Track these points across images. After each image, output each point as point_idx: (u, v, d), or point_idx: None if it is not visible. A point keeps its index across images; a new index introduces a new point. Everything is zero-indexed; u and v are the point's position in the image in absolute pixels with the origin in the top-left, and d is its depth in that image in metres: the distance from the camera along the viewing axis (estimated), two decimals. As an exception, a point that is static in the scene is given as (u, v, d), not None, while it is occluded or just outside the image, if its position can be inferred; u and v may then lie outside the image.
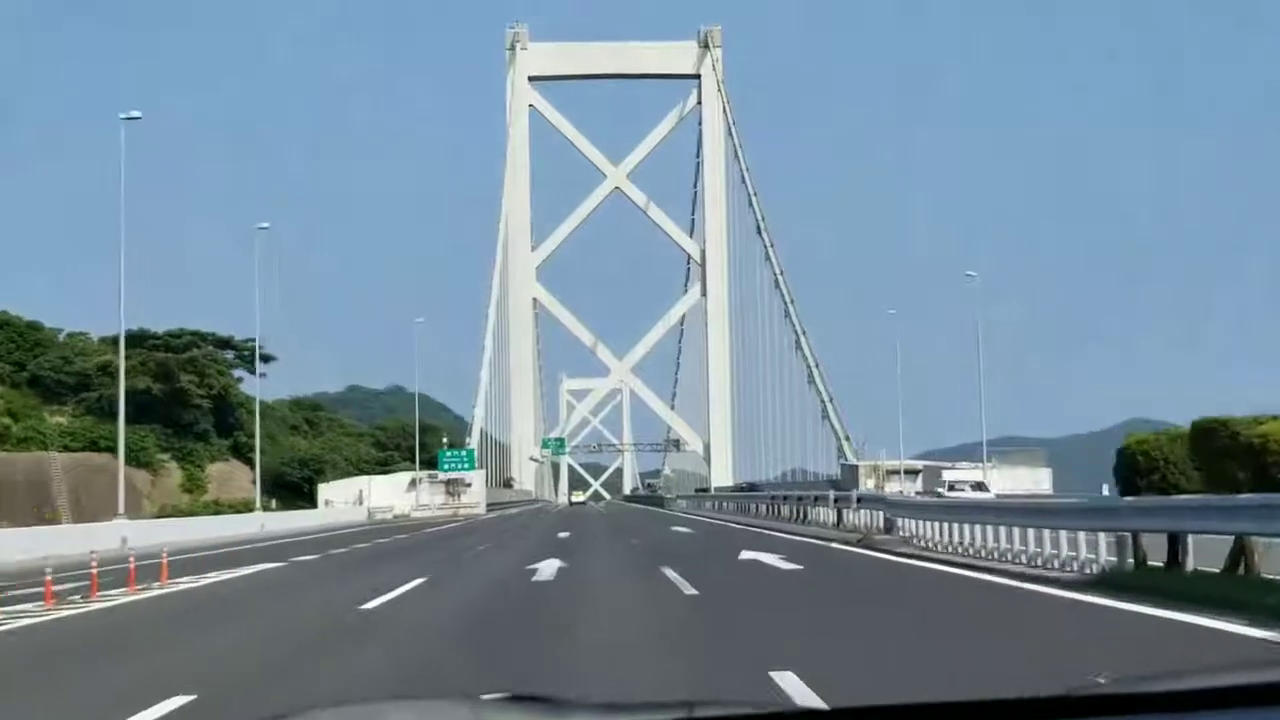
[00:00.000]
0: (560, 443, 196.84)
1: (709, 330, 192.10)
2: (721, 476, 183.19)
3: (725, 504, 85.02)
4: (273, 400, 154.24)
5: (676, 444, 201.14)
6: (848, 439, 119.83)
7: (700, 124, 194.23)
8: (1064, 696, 2.29)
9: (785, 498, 66.00)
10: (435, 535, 63.77)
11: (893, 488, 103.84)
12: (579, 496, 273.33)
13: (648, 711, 2.00)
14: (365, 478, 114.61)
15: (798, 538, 44.35)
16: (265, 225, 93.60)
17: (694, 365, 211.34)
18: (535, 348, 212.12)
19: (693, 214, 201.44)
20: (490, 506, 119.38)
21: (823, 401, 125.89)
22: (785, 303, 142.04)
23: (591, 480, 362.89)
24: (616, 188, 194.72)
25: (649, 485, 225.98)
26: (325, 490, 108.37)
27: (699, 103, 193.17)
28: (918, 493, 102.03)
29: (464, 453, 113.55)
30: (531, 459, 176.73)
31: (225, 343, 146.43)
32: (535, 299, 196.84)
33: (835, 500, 53.36)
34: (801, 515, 55.93)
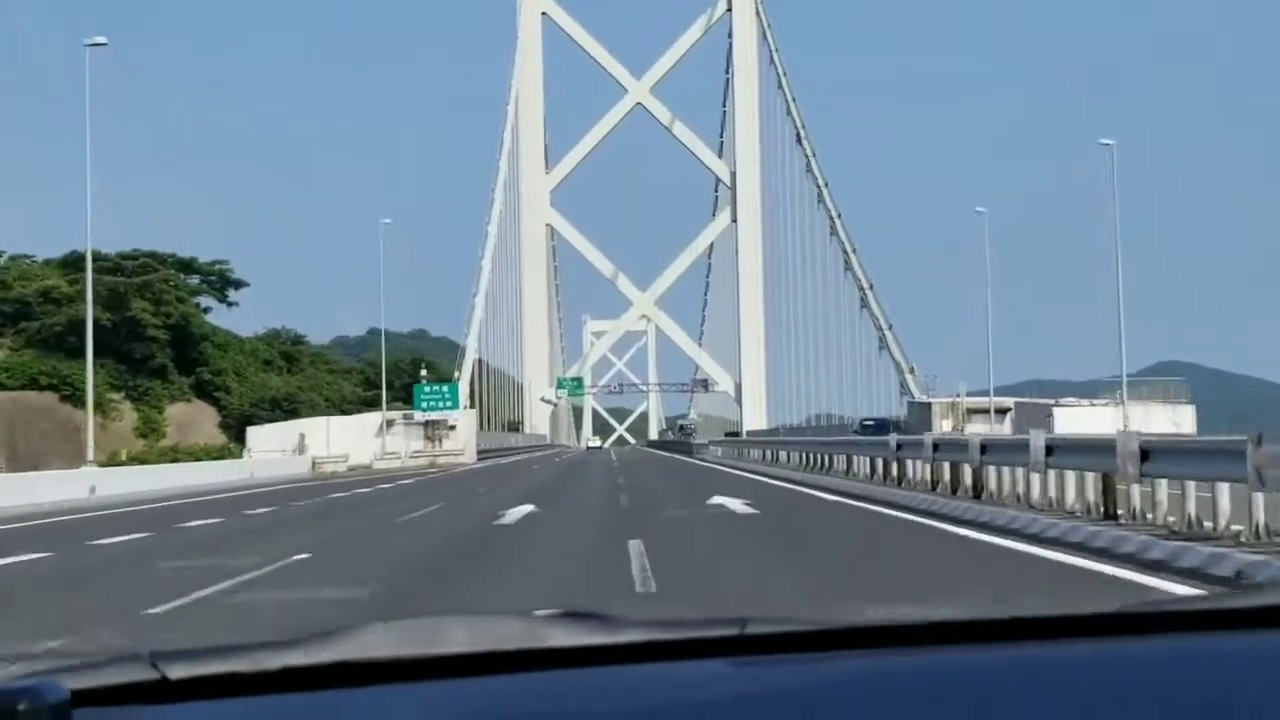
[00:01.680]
0: (577, 382, 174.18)
1: (740, 259, 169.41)
2: (754, 419, 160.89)
3: (772, 452, 62.21)
4: (246, 335, 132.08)
5: (705, 384, 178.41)
6: (912, 371, 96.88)
7: (730, 32, 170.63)
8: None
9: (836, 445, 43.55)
10: (340, 501, 41.54)
11: (975, 429, 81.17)
12: (595, 441, 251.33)
13: (701, 628, 2.09)
14: (321, 419, 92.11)
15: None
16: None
17: (724, 298, 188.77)
18: (551, 280, 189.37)
19: (721, 135, 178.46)
20: (485, 454, 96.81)
21: (879, 329, 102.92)
22: (831, 218, 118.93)
23: (615, 424, 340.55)
24: (638, 104, 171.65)
25: (679, 427, 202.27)
26: (253, 435, 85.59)
27: (729, 9, 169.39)
28: (1012, 433, 79.63)
29: (445, 388, 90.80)
30: (544, 399, 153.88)
31: (187, 265, 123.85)
32: (550, 225, 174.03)
33: (897, 447, 32.20)
34: (895, 472, 33.55)
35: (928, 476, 30.27)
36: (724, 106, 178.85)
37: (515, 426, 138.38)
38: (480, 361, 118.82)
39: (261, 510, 36.00)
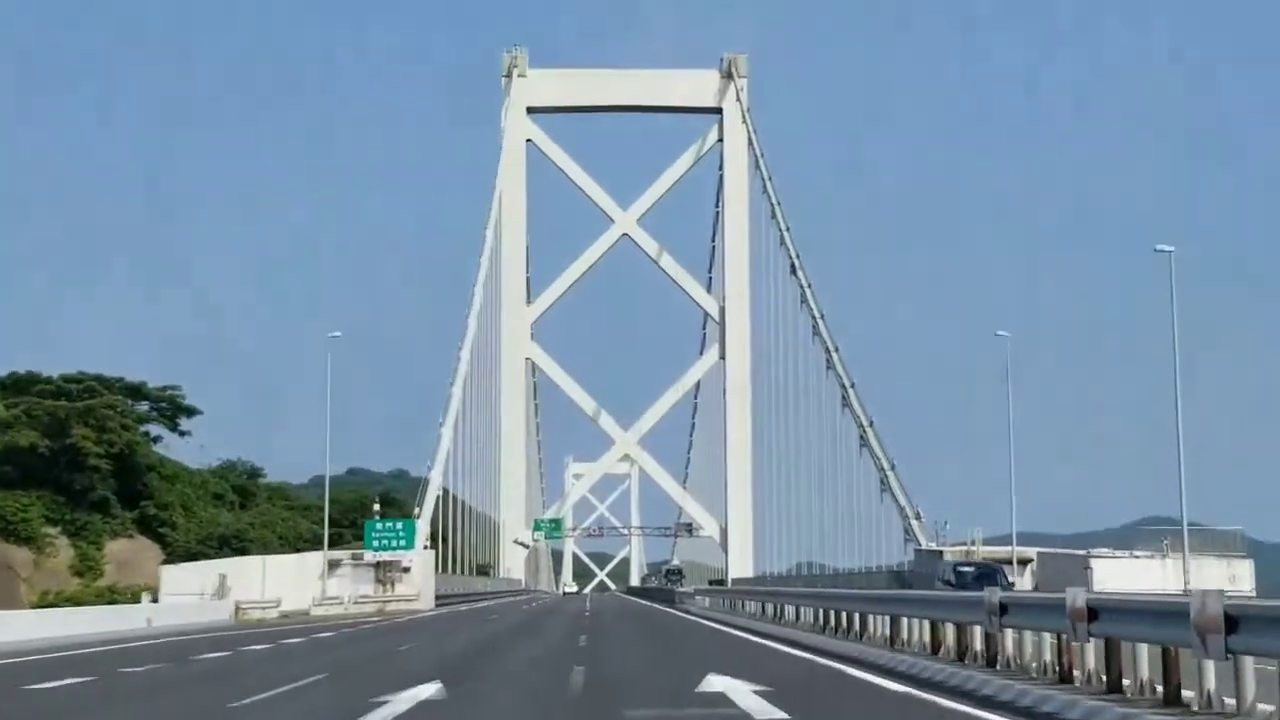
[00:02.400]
0: (555, 524, 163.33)
1: (728, 399, 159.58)
2: (740, 566, 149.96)
3: (776, 606, 51.62)
4: (199, 467, 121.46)
5: (689, 528, 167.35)
6: (918, 517, 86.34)
7: (721, 164, 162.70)
8: None
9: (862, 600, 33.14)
10: (199, 668, 31.13)
11: (992, 584, 70.34)
12: (572, 587, 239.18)
13: None
14: (256, 558, 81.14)
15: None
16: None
17: (709, 439, 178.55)
18: (531, 417, 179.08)
19: (710, 270, 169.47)
20: (446, 599, 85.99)
21: (881, 470, 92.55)
22: (828, 351, 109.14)
23: (596, 569, 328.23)
24: (625, 235, 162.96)
25: (666, 574, 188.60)
26: (168, 576, 74.19)
27: (720, 139, 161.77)
28: (1035, 589, 68.94)
29: (399, 525, 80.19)
30: (517, 542, 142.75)
31: (135, 390, 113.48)
32: (530, 360, 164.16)
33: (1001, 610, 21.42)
34: (933, 641, 23.01)
35: (1049, 658, 19.87)
36: (713, 241, 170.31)
37: (485, 570, 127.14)
38: (447, 498, 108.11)
39: (71, 681, 25.52)
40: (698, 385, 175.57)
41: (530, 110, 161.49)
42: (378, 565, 78.50)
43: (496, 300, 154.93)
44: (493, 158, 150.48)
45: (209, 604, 61.73)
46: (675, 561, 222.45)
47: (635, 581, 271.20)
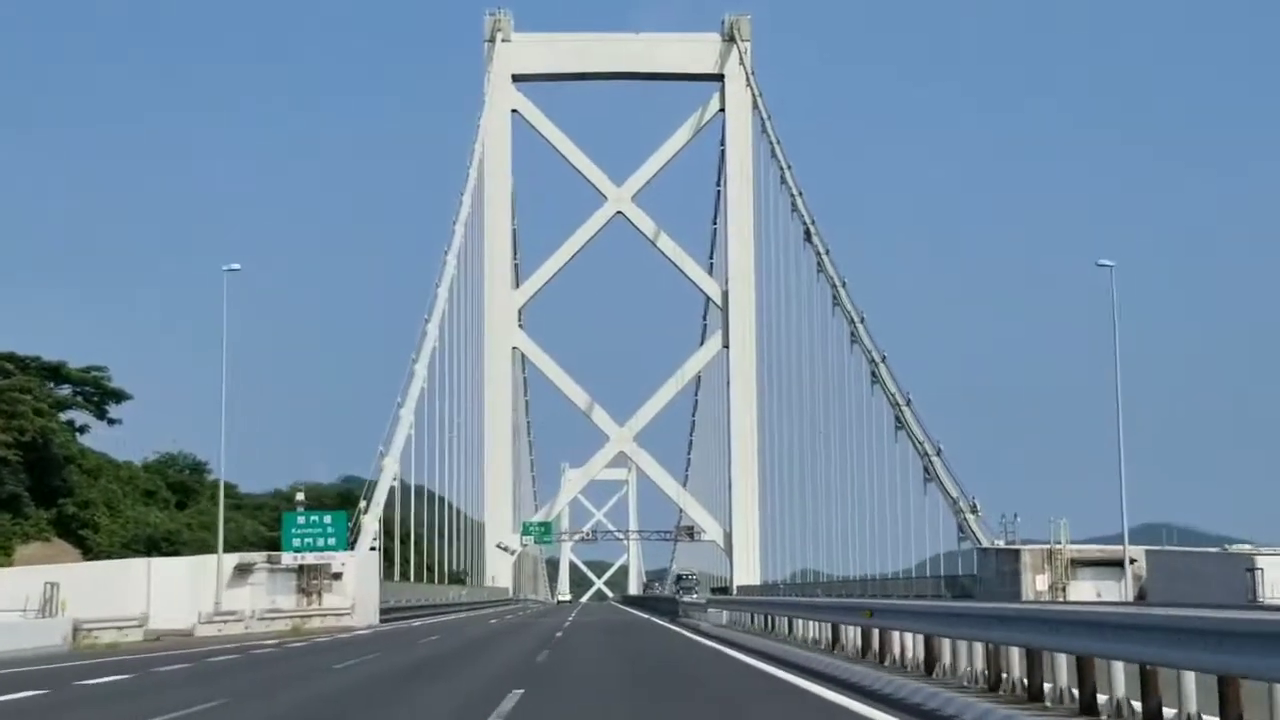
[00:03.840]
0: (545, 528, 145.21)
1: (732, 391, 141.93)
2: (745, 573, 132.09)
3: (827, 629, 33.76)
4: (135, 461, 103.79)
5: (690, 532, 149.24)
6: (974, 509, 68.44)
7: (724, 136, 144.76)
8: None
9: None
10: None
11: (1083, 589, 53.61)
12: (566, 596, 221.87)
13: None
14: (139, 560, 63.30)
15: None
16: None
17: (712, 435, 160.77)
18: (520, 411, 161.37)
19: (711, 255, 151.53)
20: (395, 613, 67.93)
21: (924, 455, 74.62)
22: (851, 322, 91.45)
23: (594, 577, 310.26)
24: (619, 212, 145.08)
25: (677, 580, 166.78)
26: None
27: (721, 109, 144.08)
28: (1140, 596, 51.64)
29: (325, 519, 62.30)
30: (501, 546, 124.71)
31: (54, 371, 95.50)
32: (517, 349, 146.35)
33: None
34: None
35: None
36: (714, 224, 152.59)
37: (460, 578, 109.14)
38: (413, 494, 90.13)
39: None
40: (698, 378, 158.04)
41: (516, 79, 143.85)
42: (301, 571, 60.74)
43: (480, 283, 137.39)
44: (471, 125, 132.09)
45: (29, 624, 43.97)
46: (682, 567, 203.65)
47: (634, 589, 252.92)
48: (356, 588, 61.31)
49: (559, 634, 44.71)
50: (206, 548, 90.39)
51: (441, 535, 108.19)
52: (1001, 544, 62.23)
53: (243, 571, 60.13)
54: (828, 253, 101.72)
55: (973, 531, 67.02)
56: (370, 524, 68.24)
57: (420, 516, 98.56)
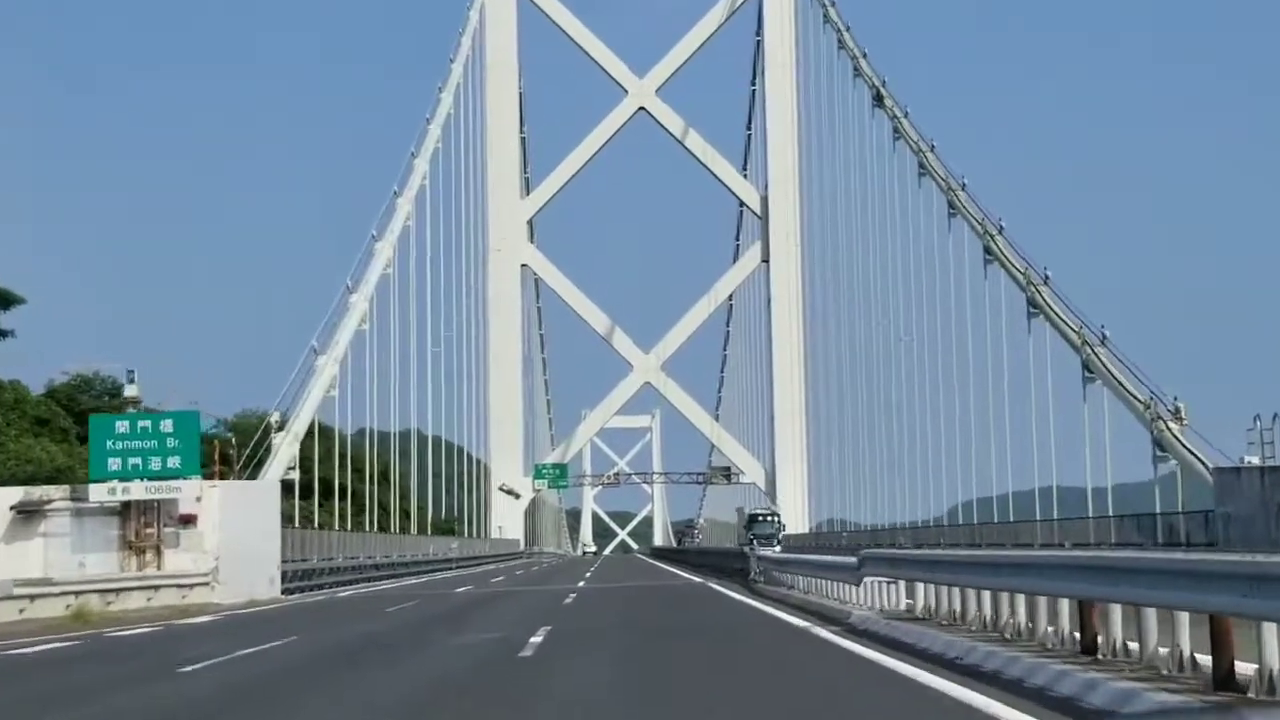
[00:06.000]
0: (560, 470, 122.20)
1: (774, 310, 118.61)
2: (792, 519, 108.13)
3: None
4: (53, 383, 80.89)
5: (726, 473, 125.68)
6: (1179, 417, 44.45)
7: (760, 25, 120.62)
8: None
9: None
10: None
11: None
12: (592, 547, 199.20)
13: None
14: None
15: None
16: None
17: (748, 362, 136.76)
18: (532, 339, 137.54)
19: (745, 167, 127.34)
20: (322, 576, 44.44)
21: (1084, 344, 50.60)
22: (950, 190, 67.32)
23: (618, 529, 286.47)
24: (641, 108, 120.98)
25: (750, 522, 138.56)
26: None
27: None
28: None
29: (161, 423, 37.79)
30: (504, 489, 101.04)
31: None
32: (526, 267, 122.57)
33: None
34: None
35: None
36: (748, 129, 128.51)
37: (449, 528, 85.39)
38: (367, 409, 66.18)
39: None
40: (730, 302, 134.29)
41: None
42: (126, 512, 36.98)
43: (480, 186, 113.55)
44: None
45: None
46: (700, 521, 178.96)
47: (659, 540, 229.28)
48: (223, 539, 37.59)
49: (535, 641, 20.93)
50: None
51: (431, 478, 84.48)
52: (1254, 461, 38.25)
53: (29, 516, 36.19)
54: (906, 115, 77.46)
55: (1183, 447, 43.04)
56: (286, 445, 44.67)
57: (399, 453, 74.99)
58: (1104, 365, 48.79)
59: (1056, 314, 53.58)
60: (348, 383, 55.41)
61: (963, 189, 66.59)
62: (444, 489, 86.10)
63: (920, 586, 19.87)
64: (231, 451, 43.25)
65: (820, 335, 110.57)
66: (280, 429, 45.71)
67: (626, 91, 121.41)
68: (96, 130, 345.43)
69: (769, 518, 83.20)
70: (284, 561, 39.57)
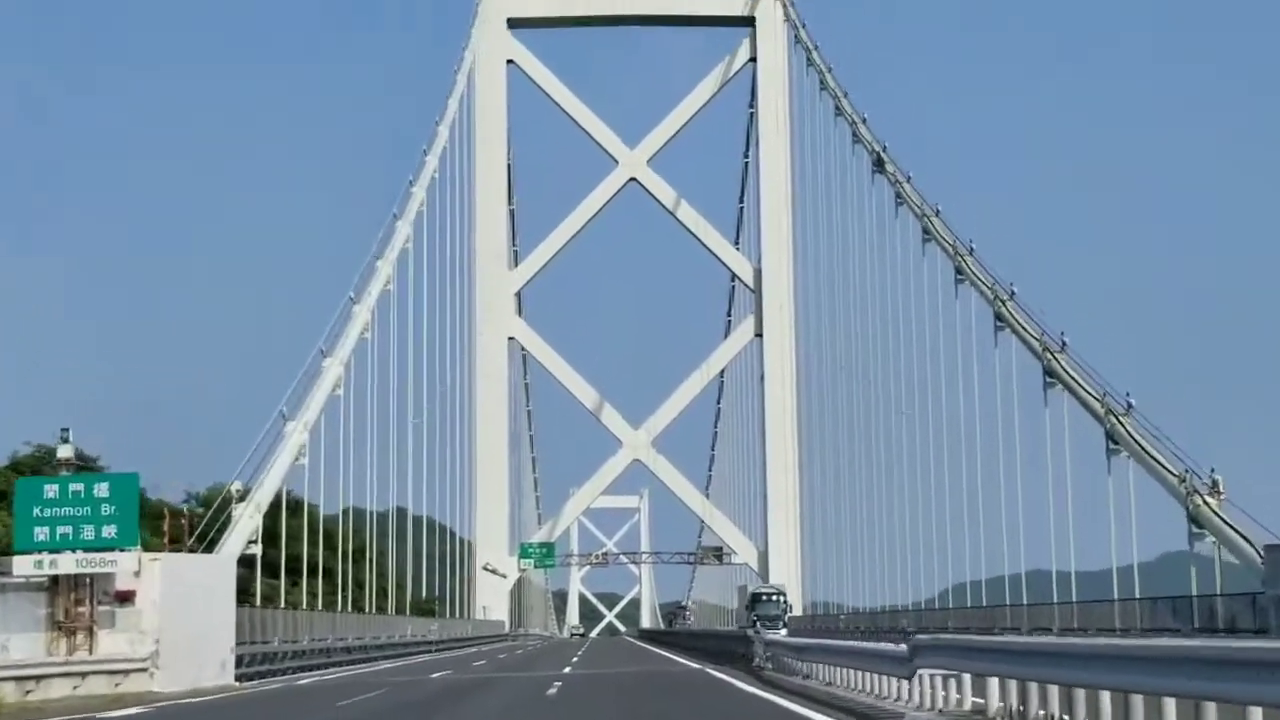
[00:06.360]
0: (547, 550, 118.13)
1: (768, 385, 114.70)
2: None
3: None
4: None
5: (717, 554, 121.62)
6: (1216, 490, 40.83)
7: (754, 96, 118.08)
8: None
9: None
10: None
11: None
12: (580, 629, 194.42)
13: None
14: None
15: None
16: None
17: (740, 440, 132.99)
18: (520, 415, 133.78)
19: (737, 239, 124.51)
20: (281, 661, 40.36)
21: (1108, 414, 47.01)
22: (958, 254, 64.17)
23: (605, 610, 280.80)
24: (632, 179, 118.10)
25: (753, 601, 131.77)
26: None
27: (752, 58, 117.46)
28: None
29: (96, 487, 33.92)
30: (488, 569, 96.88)
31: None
32: (514, 340, 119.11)
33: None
34: None
35: None
36: (740, 202, 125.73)
37: (429, 608, 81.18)
38: (346, 484, 62.30)
39: None
40: (722, 378, 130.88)
41: (512, 23, 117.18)
42: (54, 589, 32.64)
43: (467, 256, 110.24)
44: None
45: None
46: (690, 603, 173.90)
47: (646, 623, 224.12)
48: (164, 619, 33.34)
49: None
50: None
51: (411, 556, 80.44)
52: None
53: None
54: (909, 179, 74.46)
55: (1223, 521, 39.40)
56: (248, 517, 40.84)
57: (379, 531, 71.05)
58: (1130, 436, 45.22)
59: (1076, 381, 50.06)
60: (320, 451, 51.77)
61: (970, 254, 63.40)
62: (424, 567, 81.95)
63: (993, 682, 16.07)
64: (183, 522, 39.47)
65: (815, 411, 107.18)
66: (242, 499, 42.06)
67: (617, 162, 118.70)
68: (96, 130, 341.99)
69: (775, 597, 78.53)
70: (240, 644, 35.67)
